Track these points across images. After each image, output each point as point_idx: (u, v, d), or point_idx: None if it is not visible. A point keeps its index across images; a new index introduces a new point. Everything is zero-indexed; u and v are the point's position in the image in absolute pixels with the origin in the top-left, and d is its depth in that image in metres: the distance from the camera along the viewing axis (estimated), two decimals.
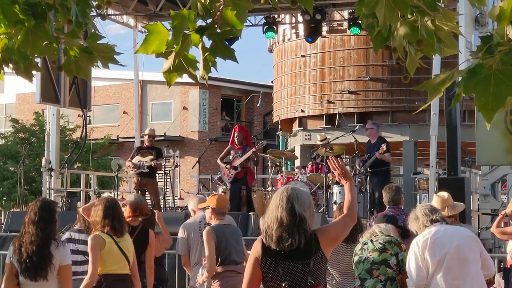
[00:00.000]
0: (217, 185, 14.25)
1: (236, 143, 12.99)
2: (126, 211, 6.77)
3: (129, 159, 13.45)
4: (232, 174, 12.83)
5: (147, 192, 13.26)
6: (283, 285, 3.97)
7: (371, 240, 5.93)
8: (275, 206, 4.05)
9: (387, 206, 7.90)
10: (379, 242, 5.87)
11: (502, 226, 7.95)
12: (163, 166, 13.55)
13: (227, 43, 3.01)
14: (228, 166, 12.81)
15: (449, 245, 5.42)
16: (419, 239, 5.48)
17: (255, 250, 4.08)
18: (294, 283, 3.99)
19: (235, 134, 13.05)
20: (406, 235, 6.39)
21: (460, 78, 2.52)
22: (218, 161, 13.14)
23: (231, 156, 12.97)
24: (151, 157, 13.09)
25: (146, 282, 6.60)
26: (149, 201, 13.02)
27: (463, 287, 5.38)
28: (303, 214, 4.01)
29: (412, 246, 5.53)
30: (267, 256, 4.02)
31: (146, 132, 13.71)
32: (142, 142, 13.94)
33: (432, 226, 5.51)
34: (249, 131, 14.32)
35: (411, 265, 5.47)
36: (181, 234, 7.56)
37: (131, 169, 13.41)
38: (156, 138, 14.63)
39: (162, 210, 13.84)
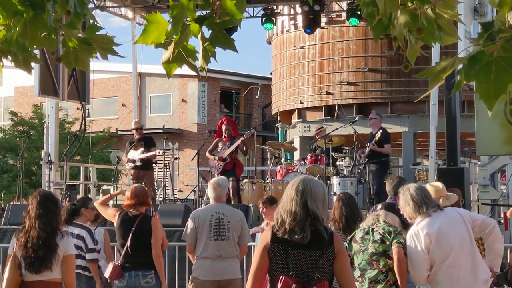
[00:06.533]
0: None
1: (225, 135, 12.97)
2: (126, 199, 6.89)
3: (125, 154, 13.75)
4: (220, 166, 12.80)
5: (143, 184, 13.33)
6: (290, 274, 3.91)
7: (372, 229, 5.90)
8: (289, 198, 3.99)
9: (389, 196, 7.88)
10: (379, 233, 5.82)
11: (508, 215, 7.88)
12: (156, 155, 13.56)
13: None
14: (216, 158, 12.80)
15: (452, 236, 5.36)
16: (418, 232, 5.37)
17: (264, 238, 4.03)
18: (301, 274, 3.93)
19: (225, 127, 13.02)
20: (406, 227, 6.36)
21: (461, 66, 2.51)
22: (207, 154, 13.13)
23: (219, 149, 12.94)
24: (142, 149, 13.24)
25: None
26: None
27: (466, 277, 5.35)
28: (316, 211, 3.96)
29: (411, 238, 5.43)
30: (276, 243, 3.96)
31: (132, 126, 14.06)
32: (133, 135, 14.09)
33: (428, 216, 5.40)
34: (236, 123, 14.31)
35: (412, 258, 5.41)
36: (190, 222, 7.39)
37: (127, 164, 13.61)
38: (156, 131, 14.66)
39: (162, 202, 13.89)
